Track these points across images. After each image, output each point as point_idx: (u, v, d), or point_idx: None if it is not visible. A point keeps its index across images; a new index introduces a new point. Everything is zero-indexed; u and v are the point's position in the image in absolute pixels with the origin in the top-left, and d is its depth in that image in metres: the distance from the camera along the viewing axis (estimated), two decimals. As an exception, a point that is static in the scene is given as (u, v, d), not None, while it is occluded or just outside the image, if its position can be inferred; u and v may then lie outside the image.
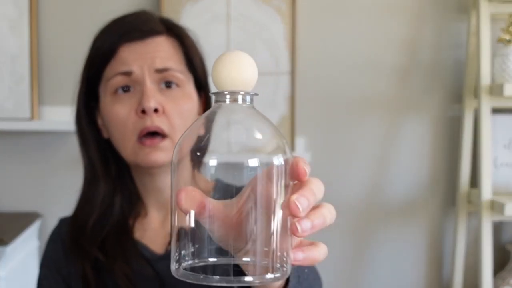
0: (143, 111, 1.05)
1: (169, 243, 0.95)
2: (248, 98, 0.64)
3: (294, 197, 0.61)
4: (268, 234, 0.63)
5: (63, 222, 1.23)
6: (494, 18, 2.12)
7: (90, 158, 1.16)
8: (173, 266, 0.64)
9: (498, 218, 2.08)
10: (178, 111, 1.10)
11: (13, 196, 2.28)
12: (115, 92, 1.09)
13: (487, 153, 2.04)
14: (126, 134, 1.09)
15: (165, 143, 1.09)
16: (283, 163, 0.61)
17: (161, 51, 1.10)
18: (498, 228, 2.35)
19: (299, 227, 0.62)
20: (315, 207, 0.66)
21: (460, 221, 2.27)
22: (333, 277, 2.36)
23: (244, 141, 0.64)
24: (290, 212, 0.61)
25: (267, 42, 2.25)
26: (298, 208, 0.61)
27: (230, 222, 0.65)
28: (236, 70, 0.63)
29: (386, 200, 2.38)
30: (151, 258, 1.16)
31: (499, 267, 2.28)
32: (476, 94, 2.15)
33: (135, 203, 1.20)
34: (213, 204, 0.64)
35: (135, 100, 1.07)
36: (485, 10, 2.05)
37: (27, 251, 2.10)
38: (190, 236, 0.63)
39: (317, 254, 0.67)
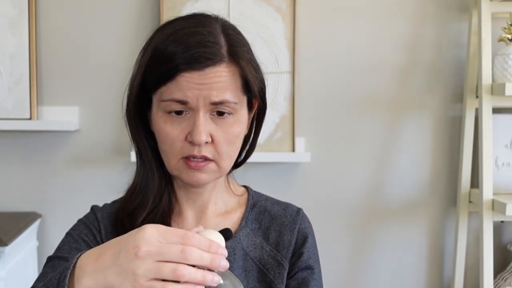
0: (191, 142, 1.05)
1: None
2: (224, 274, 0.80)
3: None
4: None
5: (96, 208, 1.23)
6: (495, 17, 2.11)
7: (140, 150, 1.17)
8: None
9: (499, 218, 2.08)
10: (227, 139, 1.09)
11: (12, 196, 2.26)
12: (168, 112, 1.08)
13: (488, 153, 2.03)
14: (173, 152, 1.09)
15: (210, 165, 1.09)
16: None
17: (219, 82, 1.07)
18: (499, 228, 2.34)
19: None
20: None
21: (461, 221, 2.27)
22: (334, 277, 2.37)
23: None
24: None
25: (267, 42, 2.22)
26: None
27: None
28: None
29: (386, 200, 2.37)
30: None
31: (500, 268, 2.29)
32: (477, 94, 2.14)
33: (174, 202, 1.20)
34: None
35: (186, 125, 1.06)
36: (486, 9, 2.04)
37: (26, 251, 2.08)
38: None
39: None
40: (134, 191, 1.18)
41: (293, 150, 2.24)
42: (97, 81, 2.32)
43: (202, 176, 1.09)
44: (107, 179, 2.32)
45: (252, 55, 1.14)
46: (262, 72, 1.16)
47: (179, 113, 1.07)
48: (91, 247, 1.09)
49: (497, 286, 2.22)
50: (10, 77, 2.19)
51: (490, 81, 2.05)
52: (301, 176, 2.36)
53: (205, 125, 1.04)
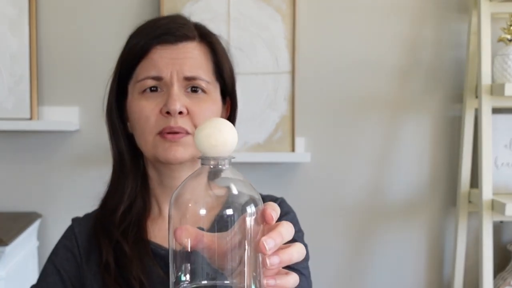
0: (168, 112, 1.07)
1: None
2: (226, 162, 0.73)
3: (263, 238, 0.70)
4: (244, 266, 0.73)
5: (75, 222, 1.23)
6: (494, 18, 2.11)
7: (120, 151, 1.18)
8: None
9: (499, 218, 2.08)
10: (202, 113, 1.12)
11: (13, 196, 2.27)
12: (143, 91, 1.11)
13: (488, 153, 2.03)
14: (148, 128, 1.10)
15: (187, 138, 1.11)
16: (254, 211, 0.72)
17: (192, 58, 1.11)
18: (498, 228, 2.34)
19: (268, 262, 0.71)
20: (286, 245, 0.75)
21: (460, 221, 2.27)
22: (334, 277, 2.38)
23: (225, 195, 0.73)
24: (259, 250, 0.71)
25: (267, 42, 2.22)
26: (265, 247, 0.70)
27: (218, 252, 0.74)
28: (217, 138, 0.72)
29: (386, 200, 2.37)
30: (167, 256, 1.12)
31: (500, 268, 2.28)
32: (477, 94, 2.14)
33: (150, 202, 1.21)
34: (205, 237, 0.73)
35: (161, 100, 1.09)
36: (486, 10, 2.04)
37: (26, 251, 2.09)
38: (185, 264, 0.73)
39: (287, 282, 0.75)
40: (110, 191, 1.20)
41: (293, 150, 2.24)
42: (97, 81, 2.32)
43: (179, 149, 1.10)
44: (107, 179, 2.36)
45: (226, 50, 1.19)
46: (235, 73, 1.20)
47: (154, 90, 1.10)
48: (70, 280, 1.16)
49: (497, 286, 2.19)
50: (10, 77, 2.19)
51: (489, 81, 2.05)
52: (301, 176, 2.36)
53: (179, 96, 1.08)
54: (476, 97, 2.16)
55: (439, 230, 2.41)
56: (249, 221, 0.73)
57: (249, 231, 0.73)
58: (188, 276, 0.74)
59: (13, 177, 2.27)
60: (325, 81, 2.29)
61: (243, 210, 0.72)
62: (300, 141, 2.26)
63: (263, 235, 0.73)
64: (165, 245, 1.19)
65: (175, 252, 0.74)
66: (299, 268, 1.13)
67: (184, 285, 0.73)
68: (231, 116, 1.24)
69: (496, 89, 2.01)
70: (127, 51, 1.17)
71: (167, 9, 2.16)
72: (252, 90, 2.27)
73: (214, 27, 2.12)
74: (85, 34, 2.25)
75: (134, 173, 1.19)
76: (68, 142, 2.25)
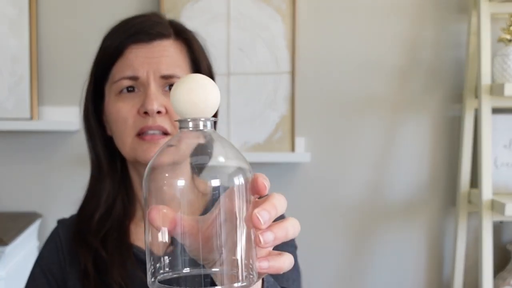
0: (146, 113, 1.06)
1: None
2: (208, 124, 0.66)
3: (256, 210, 0.64)
4: (235, 246, 0.66)
5: (60, 223, 1.23)
6: (494, 18, 2.11)
7: (97, 154, 1.17)
8: (149, 279, 0.66)
9: (498, 218, 2.07)
10: None
11: (13, 196, 2.27)
12: (120, 92, 1.10)
13: (488, 153, 2.03)
14: (126, 130, 1.09)
15: (165, 139, 1.09)
16: (243, 181, 0.65)
17: (168, 56, 1.11)
18: (498, 228, 2.33)
19: (261, 239, 0.65)
20: (279, 221, 0.69)
21: (460, 221, 2.27)
22: (334, 276, 2.38)
23: (207, 164, 0.66)
24: (252, 224, 0.65)
25: (267, 42, 2.22)
26: (259, 220, 0.64)
27: (201, 236, 0.68)
28: (198, 94, 0.65)
29: (386, 200, 2.37)
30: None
31: (499, 267, 2.28)
32: (477, 94, 2.13)
33: (133, 204, 1.19)
34: (184, 220, 0.66)
35: (138, 100, 1.08)
36: (486, 10, 2.04)
37: (26, 251, 2.09)
38: (163, 250, 0.66)
39: (282, 263, 0.69)
40: (88, 195, 1.19)
41: (293, 150, 2.24)
42: None
43: (155, 149, 1.10)
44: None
45: (203, 46, 1.19)
46: (213, 69, 1.19)
47: (130, 91, 1.09)
48: (56, 281, 1.17)
49: (497, 285, 2.17)
50: (10, 77, 2.19)
51: (489, 82, 2.05)
52: (301, 176, 2.35)
53: (156, 95, 1.07)
54: (476, 97, 2.16)
55: (439, 230, 2.41)
56: (239, 191, 0.66)
57: (238, 206, 0.66)
58: (167, 266, 0.68)
59: (13, 177, 2.27)
60: (325, 81, 2.29)
61: (230, 181, 0.66)
62: (300, 141, 2.26)
63: (253, 209, 0.67)
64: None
65: (152, 237, 0.68)
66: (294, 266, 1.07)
67: (163, 275, 0.68)
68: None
69: (496, 89, 2.01)
70: (102, 52, 1.16)
71: (167, 9, 2.14)
72: (252, 90, 2.27)
73: (214, 27, 2.24)
74: (85, 34, 2.23)
75: (111, 176, 1.19)
76: (69, 142, 2.24)
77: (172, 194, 0.66)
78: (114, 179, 1.18)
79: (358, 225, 2.37)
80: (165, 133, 1.09)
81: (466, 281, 2.32)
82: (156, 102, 1.05)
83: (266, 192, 0.67)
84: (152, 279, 0.66)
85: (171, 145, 0.67)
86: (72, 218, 1.22)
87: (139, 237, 1.17)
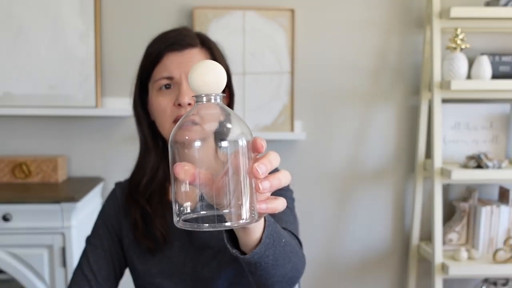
0: (179, 104, 1.11)
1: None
2: (218, 98, 0.69)
3: (256, 164, 0.68)
4: (240, 193, 0.68)
5: (117, 185, 1.29)
6: (443, 31, 2.21)
7: (144, 135, 1.22)
8: (175, 219, 0.69)
9: (446, 181, 2.17)
10: None
11: (82, 165, 2.38)
12: (160, 88, 1.15)
13: (438, 133, 2.14)
14: (165, 118, 1.14)
15: (195, 127, 1.11)
16: (245, 142, 0.68)
17: (195, 61, 1.13)
18: (446, 189, 2.44)
19: (260, 186, 0.68)
20: (274, 172, 0.73)
21: (417, 184, 2.39)
22: (325, 225, 2.48)
23: (218, 130, 0.69)
24: (253, 175, 0.68)
25: (272, 49, 2.31)
26: (258, 172, 0.68)
27: (214, 186, 0.70)
28: (209, 76, 0.69)
29: (362, 168, 2.48)
30: None
31: (447, 218, 2.41)
32: (430, 88, 2.24)
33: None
34: (201, 174, 0.69)
35: (173, 95, 1.13)
36: (437, 25, 2.14)
37: (92, 207, 2.21)
38: (185, 197, 0.69)
39: (277, 205, 0.73)
40: (138, 166, 1.24)
41: (292, 131, 2.34)
42: None
43: (190, 134, 1.11)
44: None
45: (223, 53, 1.22)
46: (230, 70, 1.21)
47: (168, 88, 1.13)
48: (115, 231, 1.21)
49: (445, 232, 2.32)
50: (80, 76, 2.28)
51: (439, 79, 2.15)
52: (299, 150, 2.44)
53: (187, 91, 1.11)
54: (429, 90, 2.26)
55: (402, 191, 2.51)
56: (242, 150, 0.69)
57: (242, 161, 0.69)
58: (188, 209, 0.71)
59: (83, 151, 2.37)
60: (317, 79, 2.38)
61: (237, 141, 0.69)
62: (297, 124, 2.38)
63: (254, 163, 0.70)
64: None
65: (177, 187, 0.70)
66: (290, 207, 1.17)
67: (185, 216, 0.71)
68: (230, 102, 1.26)
69: (444, 85, 2.11)
70: (145, 57, 1.19)
71: (198, 25, 2.25)
72: (261, 86, 2.35)
73: (233, 38, 2.27)
74: (135, 42, 2.11)
75: (155, 151, 1.22)
76: (123, 124, 2.34)
77: (192, 153, 0.69)
78: (157, 153, 1.22)
79: (341, 186, 2.48)
80: (194, 123, 1.08)
81: (422, 229, 2.45)
82: (187, 96, 1.11)
83: (263, 150, 0.71)
84: (177, 219, 0.70)
85: (188, 117, 0.71)
86: (126, 181, 1.28)
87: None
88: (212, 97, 0.68)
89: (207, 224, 0.68)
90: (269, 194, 0.73)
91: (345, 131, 2.45)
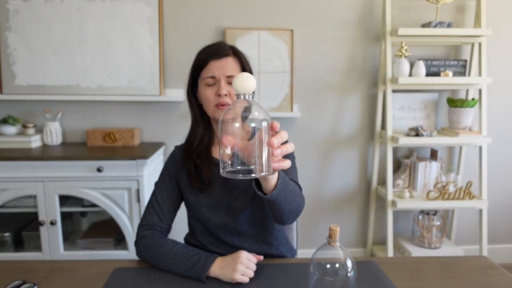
0: (219, 95, 1.14)
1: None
2: (250, 96, 0.75)
3: (272, 138, 0.76)
4: (262, 156, 0.75)
5: (176, 147, 1.30)
6: (393, 44, 2.42)
7: (195, 114, 1.24)
8: (221, 171, 0.77)
9: (395, 145, 2.34)
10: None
11: (150, 134, 2.52)
12: (206, 84, 1.17)
13: (390, 113, 2.34)
14: (209, 103, 1.17)
15: (235, 113, 0.96)
16: (266, 124, 0.75)
17: (230, 66, 1.16)
18: (395, 150, 2.62)
19: (275, 152, 0.77)
20: (284, 144, 0.81)
21: (376, 147, 2.57)
22: (310, 175, 2.61)
23: (249, 116, 0.75)
24: (270, 145, 0.76)
25: (278, 56, 2.43)
26: (273, 143, 0.75)
27: (246, 151, 0.76)
28: (247, 82, 0.75)
29: (338, 136, 2.60)
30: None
31: (395, 170, 2.63)
32: (384, 82, 2.41)
33: (213, 138, 1.25)
34: (238, 143, 0.75)
35: (215, 89, 1.16)
36: (389, 40, 2.33)
37: (157, 162, 2.36)
38: (227, 157, 0.76)
39: (285, 164, 0.82)
40: (191, 133, 1.25)
41: (292, 111, 2.48)
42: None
43: None
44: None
45: (247, 59, 1.21)
46: (251, 67, 1.21)
47: (211, 84, 1.15)
48: (175, 178, 1.23)
49: (394, 179, 2.50)
50: (149, 74, 2.39)
51: (391, 76, 2.32)
52: (296, 124, 2.55)
53: (224, 86, 1.13)
54: (384, 84, 2.43)
55: (365, 152, 2.65)
56: (264, 129, 0.74)
57: (264, 136, 0.74)
58: (229, 163, 0.76)
59: (151, 124, 2.50)
60: (308, 76, 2.50)
61: (261, 123, 0.74)
62: (295, 107, 2.51)
63: (272, 137, 0.76)
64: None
65: (222, 150, 0.75)
66: (293, 165, 1.19)
67: (227, 168, 0.76)
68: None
69: (394, 80, 2.30)
70: (196, 62, 1.19)
71: (229, 39, 2.38)
72: (271, 81, 2.44)
73: (253, 49, 2.37)
74: (186, 51, 2.41)
75: (202, 124, 1.23)
76: (178, 106, 2.49)
77: (233, 130, 0.74)
78: (204, 125, 1.24)
79: (324, 148, 2.61)
80: (228, 104, 1.15)
81: (379, 177, 2.65)
82: (224, 90, 1.13)
83: (277, 129, 0.77)
84: (222, 171, 0.76)
85: (231, 107, 0.75)
86: (182, 145, 1.30)
87: (215, 153, 1.24)
88: (246, 96, 0.75)
89: (241, 175, 0.76)
90: (281, 157, 0.80)
91: (327, 111, 2.56)
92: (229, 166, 0.76)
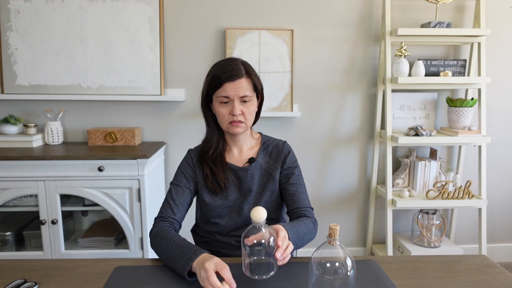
0: (233, 114, 1.22)
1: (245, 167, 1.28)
2: (263, 222, 0.93)
3: (276, 252, 0.95)
4: (271, 257, 0.96)
5: (190, 150, 1.36)
6: (393, 44, 2.42)
7: (210, 124, 1.31)
8: (244, 270, 0.97)
9: (394, 144, 2.33)
10: (249, 112, 1.24)
11: (151, 133, 2.52)
12: (221, 102, 1.23)
13: (389, 112, 2.33)
14: (224, 120, 1.24)
15: (242, 124, 1.24)
16: (273, 242, 0.95)
17: (243, 87, 1.22)
18: (394, 149, 2.61)
19: (279, 262, 0.97)
20: (286, 248, 0.98)
21: (375, 146, 2.56)
22: (311, 174, 2.59)
23: (263, 237, 0.93)
24: (276, 258, 0.96)
25: (278, 56, 2.42)
26: (277, 257, 0.95)
27: (261, 257, 0.96)
28: (260, 215, 0.93)
29: (338, 136, 2.59)
30: (235, 168, 1.31)
31: (395, 169, 2.63)
32: (384, 82, 2.39)
33: (226, 146, 1.33)
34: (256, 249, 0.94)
35: (229, 107, 1.22)
36: (389, 40, 2.33)
37: (158, 162, 2.36)
38: (250, 251, 0.96)
39: (286, 259, 0.99)
40: (206, 141, 1.32)
41: (292, 111, 2.47)
42: (193, 77, 2.44)
43: (238, 130, 1.24)
44: (197, 125, 2.47)
45: (257, 75, 1.27)
46: (262, 82, 1.29)
47: (226, 102, 1.22)
48: (191, 178, 1.29)
49: (394, 178, 2.51)
50: (150, 74, 2.39)
51: (390, 76, 2.31)
52: (296, 124, 2.54)
53: (238, 106, 1.20)
54: (384, 83, 2.41)
55: (365, 151, 2.63)
56: (271, 244, 0.93)
57: (273, 249, 0.94)
58: (252, 257, 0.95)
59: (151, 124, 2.50)
60: (308, 76, 2.48)
61: (270, 241, 0.92)
62: (295, 106, 2.50)
63: (276, 250, 0.95)
64: (236, 164, 1.32)
65: (245, 249, 0.94)
66: (301, 183, 1.32)
67: (250, 259, 0.96)
68: (261, 102, 1.31)
69: (394, 80, 2.29)
70: (211, 80, 1.23)
71: (229, 39, 2.36)
72: (271, 81, 2.43)
73: (253, 49, 2.34)
74: (187, 52, 2.42)
75: (217, 133, 1.30)
76: (178, 106, 2.48)
77: (252, 246, 0.92)
78: (218, 134, 1.31)
79: (324, 148, 2.60)
80: (241, 122, 1.23)
81: (378, 176, 2.64)
82: (238, 109, 1.20)
83: (280, 245, 0.96)
84: (243, 269, 0.96)
85: (248, 233, 0.93)
86: (196, 148, 1.35)
87: (229, 159, 1.33)
88: (261, 223, 0.93)
89: (256, 276, 0.98)
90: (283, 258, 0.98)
91: (327, 111, 2.55)
92: (248, 270, 0.97)
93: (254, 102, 1.26)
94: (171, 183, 1.29)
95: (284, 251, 0.97)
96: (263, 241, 0.91)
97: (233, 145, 1.32)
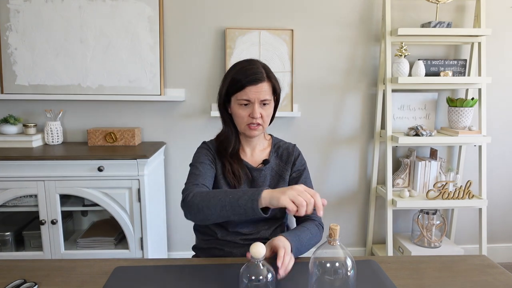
0: (252, 117, 1.25)
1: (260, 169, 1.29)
2: (261, 258, 0.89)
3: (280, 271, 0.98)
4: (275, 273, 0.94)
5: (205, 142, 1.38)
6: (393, 44, 2.42)
7: (227, 124, 1.34)
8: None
9: (395, 144, 2.33)
10: (267, 115, 1.27)
11: (151, 133, 2.52)
12: (241, 104, 1.24)
13: (389, 112, 2.33)
14: (242, 122, 1.27)
15: (259, 127, 1.27)
16: (274, 271, 0.91)
17: (264, 91, 1.24)
18: (395, 149, 2.62)
19: (281, 276, 0.99)
20: (288, 260, 1.00)
21: (376, 146, 2.57)
22: (311, 174, 2.33)
23: (264, 269, 0.90)
24: (279, 275, 0.98)
25: (279, 56, 2.42)
26: (280, 275, 0.97)
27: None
28: (259, 251, 0.88)
29: (338, 136, 2.59)
30: (250, 167, 1.34)
31: (395, 169, 2.63)
32: (384, 82, 2.40)
33: (241, 144, 1.36)
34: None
35: (249, 110, 1.24)
36: (389, 40, 2.33)
37: (157, 161, 2.37)
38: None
39: (287, 271, 1.00)
40: (223, 139, 1.33)
41: (292, 111, 2.48)
42: (193, 77, 2.45)
43: (256, 133, 1.27)
44: (197, 125, 2.49)
45: (276, 78, 1.29)
46: (281, 85, 1.31)
47: (246, 105, 1.24)
48: (212, 162, 1.30)
49: (394, 179, 2.51)
50: (150, 73, 2.39)
51: (390, 76, 2.32)
52: (296, 124, 2.55)
53: (258, 110, 1.22)
54: (384, 83, 2.42)
55: (365, 151, 2.63)
56: (270, 281, 0.89)
57: (270, 286, 0.90)
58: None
59: (151, 124, 2.49)
60: (308, 76, 2.49)
61: (270, 269, 0.89)
62: (295, 106, 2.51)
63: (280, 270, 0.98)
64: (249, 162, 1.35)
65: (243, 285, 0.90)
66: (309, 186, 1.33)
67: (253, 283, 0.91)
68: (277, 102, 1.33)
69: (394, 80, 2.30)
70: (232, 82, 1.24)
71: (229, 39, 2.36)
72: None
73: (253, 49, 2.33)
74: (187, 51, 2.43)
75: (233, 132, 1.33)
76: (178, 106, 2.49)
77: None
78: (236, 134, 1.34)
79: (324, 147, 2.60)
80: (259, 124, 1.26)
81: (378, 176, 2.64)
82: (258, 113, 1.23)
83: (279, 265, 0.98)
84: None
85: (250, 269, 0.89)
86: (211, 141, 1.38)
87: (243, 157, 1.36)
88: (257, 260, 0.89)
89: None
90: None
91: (327, 111, 2.55)
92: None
93: (272, 105, 1.28)
94: (192, 164, 1.29)
95: (286, 266, 0.99)
96: (261, 277, 0.88)
97: (246, 145, 1.35)
